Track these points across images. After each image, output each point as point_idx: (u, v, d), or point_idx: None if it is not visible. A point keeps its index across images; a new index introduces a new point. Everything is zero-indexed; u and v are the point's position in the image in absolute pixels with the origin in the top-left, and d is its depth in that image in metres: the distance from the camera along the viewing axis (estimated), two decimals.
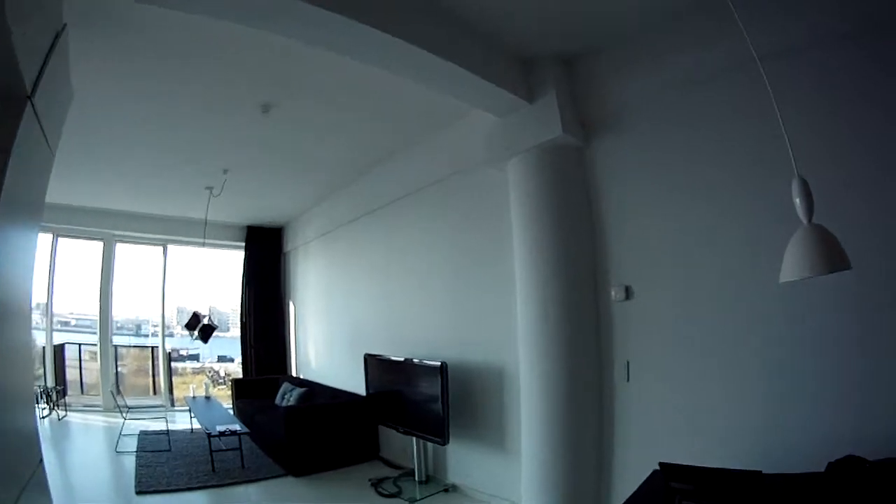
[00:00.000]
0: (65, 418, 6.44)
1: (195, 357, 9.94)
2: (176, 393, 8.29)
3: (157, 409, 7.29)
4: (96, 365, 7.92)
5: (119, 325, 8.96)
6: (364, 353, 4.89)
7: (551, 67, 3.14)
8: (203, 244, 6.95)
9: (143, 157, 4.91)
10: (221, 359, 9.86)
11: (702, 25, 2.57)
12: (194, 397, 6.37)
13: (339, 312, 6.28)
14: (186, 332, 6.06)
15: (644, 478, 2.02)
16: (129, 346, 8.66)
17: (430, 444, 4.24)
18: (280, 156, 5.00)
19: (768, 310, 2.31)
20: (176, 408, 7.72)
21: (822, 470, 1.73)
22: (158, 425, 5.73)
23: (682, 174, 2.74)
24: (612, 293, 2.96)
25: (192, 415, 5.75)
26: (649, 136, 2.90)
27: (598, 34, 2.96)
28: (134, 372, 8.68)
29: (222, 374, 9.61)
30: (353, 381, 5.32)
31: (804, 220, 1.45)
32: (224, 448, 4.70)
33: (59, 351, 7.82)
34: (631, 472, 2.62)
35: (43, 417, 6.28)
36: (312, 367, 7.04)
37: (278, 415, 5.02)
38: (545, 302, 3.02)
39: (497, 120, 3.37)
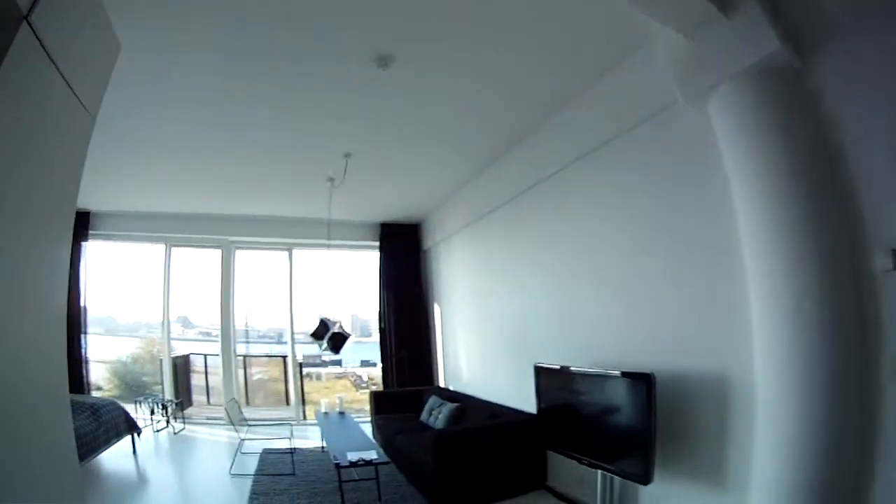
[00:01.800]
0: (182, 432, 6.17)
1: (338, 363, 9.78)
2: (317, 397, 7.97)
3: (288, 422, 6.93)
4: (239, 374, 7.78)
5: (260, 334, 9.10)
6: (533, 363, 3.85)
7: None
8: (328, 246, 6.38)
9: (250, 153, 4.49)
10: (365, 363, 9.68)
11: None
12: (326, 413, 5.70)
13: (494, 314, 5.30)
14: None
15: None
16: (262, 356, 8.47)
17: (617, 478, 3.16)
18: (409, 127, 4.14)
19: None
20: (308, 421, 7.27)
21: None
22: (287, 442, 5.17)
23: None
24: (878, 261, 2.05)
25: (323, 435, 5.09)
26: None
27: None
28: (267, 383, 8.47)
29: (365, 378, 9.47)
30: (517, 396, 4.39)
31: None
32: (357, 478, 3.94)
33: (183, 362, 7.84)
34: None
35: (157, 431, 6.06)
36: (464, 378, 6.09)
37: (427, 439, 4.10)
38: (793, 280, 2.18)
39: (686, 43, 2.55)
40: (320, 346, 5.09)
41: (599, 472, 3.13)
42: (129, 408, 5.26)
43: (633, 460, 2.84)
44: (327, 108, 3.73)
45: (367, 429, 6.03)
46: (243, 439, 4.78)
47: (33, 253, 1.37)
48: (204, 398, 7.93)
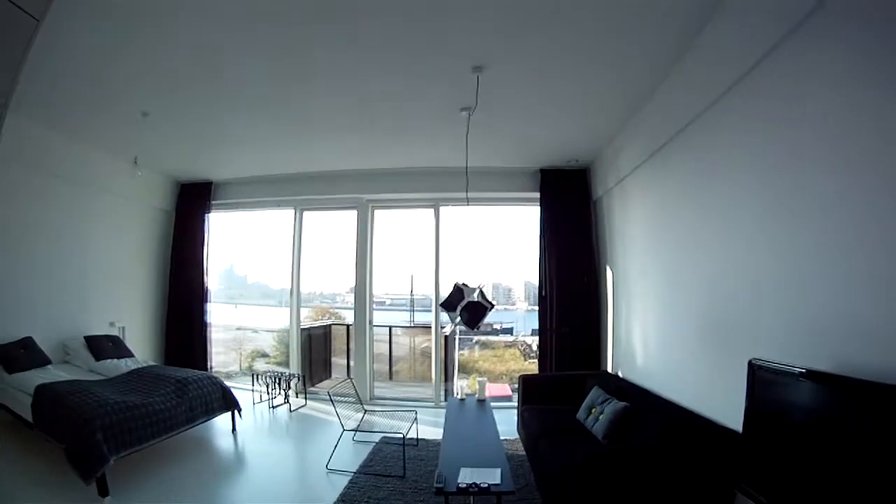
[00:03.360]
0: (301, 409, 5.55)
1: (508, 331, 8.93)
2: (487, 367, 7.10)
3: (425, 403, 6.04)
4: (383, 347, 7.31)
5: (423, 300, 8.32)
6: (740, 355, 2.27)
7: None
8: (467, 200, 5.07)
9: (365, 85, 3.63)
10: (535, 331, 8.78)
11: None
12: (462, 399, 4.48)
13: (683, 283, 3.48)
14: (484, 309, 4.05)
15: None
16: (404, 326, 7.81)
17: None
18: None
19: None
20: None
21: None
22: (423, 427, 4.31)
23: None
24: None
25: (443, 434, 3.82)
26: None
27: None
28: (414, 356, 7.79)
29: (534, 347, 8.49)
30: (710, 399, 2.93)
31: None
32: (476, 488, 2.57)
33: (321, 333, 7.50)
34: None
35: (273, 407, 5.51)
36: (638, 365, 4.38)
37: (573, 461, 2.69)
38: None
39: None
40: (452, 318, 3.88)
41: None
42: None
43: None
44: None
45: (512, 419, 4.78)
46: (355, 429, 3.92)
47: None
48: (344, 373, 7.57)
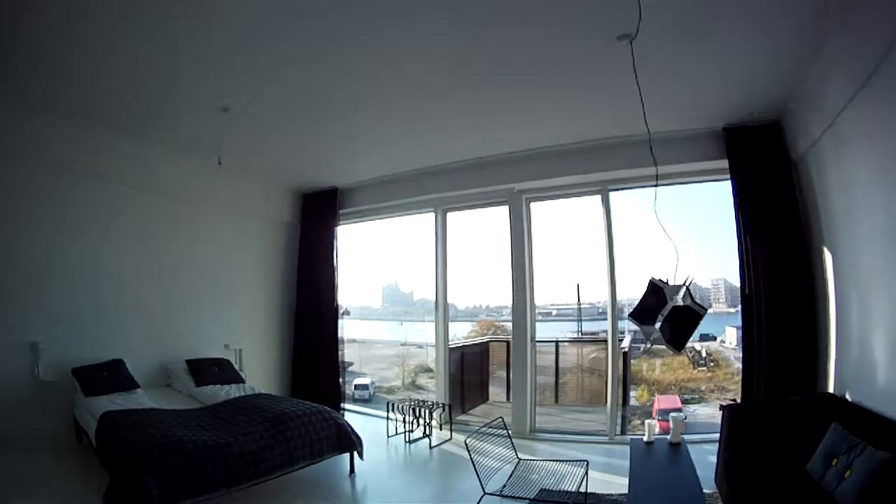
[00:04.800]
0: (444, 445, 4.50)
1: None
2: (655, 376, 6.38)
3: (598, 436, 4.66)
4: (548, 359, 6.20)
5: (599, 308, 7.58)
6: None
7: None
8: (656, 178, 3.05)
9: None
10: (704, 337, 7.98)
11: None
12: (649, 442, 3.16)
13: None
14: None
15: None
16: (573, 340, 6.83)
17: None
18: None
19: None
20: (632, 434, 4.82)
21: None
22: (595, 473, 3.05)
23: None
24: None
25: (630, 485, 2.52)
26: None
27: None
28: (581, 370, 6.68)
29: (703, 354, 7.75)
30: None
31: None
32: None
33: (478, 352, 6.54)
34: None
35: (410, 441, 4.55)
36: (879, 383, 2.68)
37: None
38: None
39: None
40: (647, 334, 2.54)
41: None
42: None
43: None
44: None
45: (704, 459, 3.39)
46: (500, 493, 2.77)
47: None
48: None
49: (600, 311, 7.30)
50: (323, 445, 3.39)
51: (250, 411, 3.45)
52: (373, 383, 9.99)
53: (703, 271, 7.21)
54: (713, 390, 6.48)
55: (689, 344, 7.46)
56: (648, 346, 2.74)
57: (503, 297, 9.12)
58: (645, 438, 3.25)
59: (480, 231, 6.25)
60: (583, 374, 6.58)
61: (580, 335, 6.86)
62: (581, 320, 7.38)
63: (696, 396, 6.48)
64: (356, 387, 9.72)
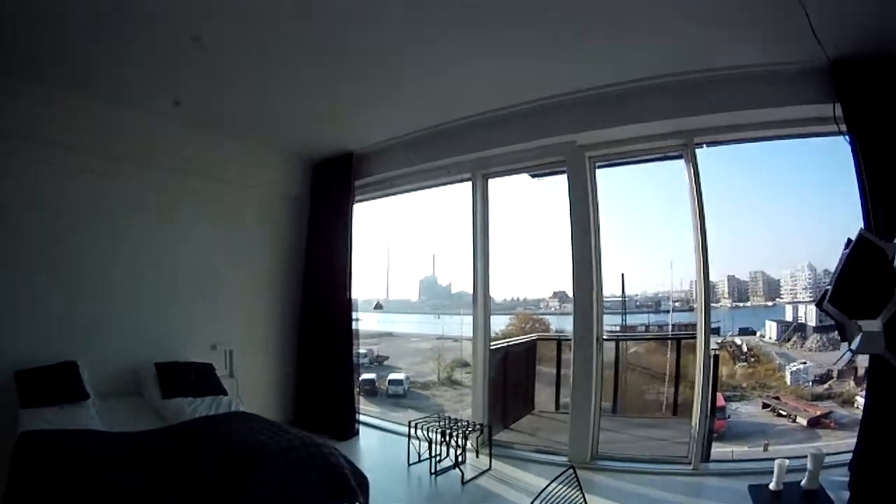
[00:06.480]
0: (481, 477, 3.52)
1: (715, 331, 7.37)
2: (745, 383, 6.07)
3: (677, 467, 3.50)
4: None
5: (639, 302, 7.35)
6: None
7: None
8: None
9: None
10: (743, 331, 7.75)
11: None
12: (777, 490, 2.29)
13: None
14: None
15: None
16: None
17: None
18: None
19: None
20: (721, 465, 3.67)
21: None
22: None
23: None
24: None
25: None
26: None
27: None
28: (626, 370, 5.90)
29: (744, 349, 7.56)
30: None
31: None
32: None
33: (522, 352, 5.53)
34: None
35: (436, 473, 3.54)
36: None
37: None
38: None
39: None
40: (852, 338, 1.73)
41: None
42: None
43: None
44: None
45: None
46: None
47: None
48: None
49: (637, 303, 7.32)
50: (306, 494, 2.39)
51: (210, 443, 2.52)
52: (408, 378, 9.30)
53: (741, 263, 7.23)
54: (755, 387, 6.38)
55: (730, 338, 7.21)
56: (853, 353, 1.69)
57: (542, 288, 8.24)
58: (772, 486, 2.32)
59: (517, 209, 5.10)
60: (626, 371, 5.86)
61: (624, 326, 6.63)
62: (626, 313, 7.05)
63: (738, 394, 6.36)
64: (390, 382, 9.04)
